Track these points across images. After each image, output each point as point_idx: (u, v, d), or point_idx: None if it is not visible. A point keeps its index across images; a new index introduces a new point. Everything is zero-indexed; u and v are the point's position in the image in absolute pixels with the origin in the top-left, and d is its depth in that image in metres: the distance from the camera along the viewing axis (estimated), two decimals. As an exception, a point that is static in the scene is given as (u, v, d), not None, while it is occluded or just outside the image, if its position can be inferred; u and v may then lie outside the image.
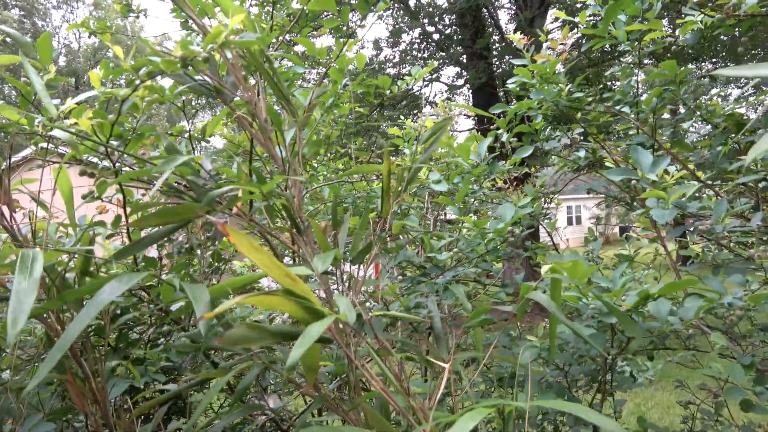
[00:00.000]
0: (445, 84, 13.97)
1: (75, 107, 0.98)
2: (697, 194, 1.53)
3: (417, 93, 13.32)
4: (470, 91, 12.44)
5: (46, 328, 0.91)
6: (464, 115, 14.77)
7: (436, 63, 13.42)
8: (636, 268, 2.24)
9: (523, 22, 10.04)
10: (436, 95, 14.07)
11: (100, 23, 2.07)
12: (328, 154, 2.41)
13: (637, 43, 1.76)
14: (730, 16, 1.38)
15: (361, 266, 1.16)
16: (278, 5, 1.85)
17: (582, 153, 2.20)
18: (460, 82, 13.82)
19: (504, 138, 2.07)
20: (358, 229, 1.17)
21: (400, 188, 1.22)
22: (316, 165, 2.22)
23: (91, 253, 0.90)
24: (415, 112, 13.32)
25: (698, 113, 1.75)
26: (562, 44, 1.89)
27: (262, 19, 2.24)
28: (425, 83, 13.58)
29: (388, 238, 1.23)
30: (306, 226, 1.13)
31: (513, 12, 12.53)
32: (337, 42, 1.56)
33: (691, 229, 1.35)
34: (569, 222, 21.59)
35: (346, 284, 1.09)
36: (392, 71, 12.94)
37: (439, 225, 2.54)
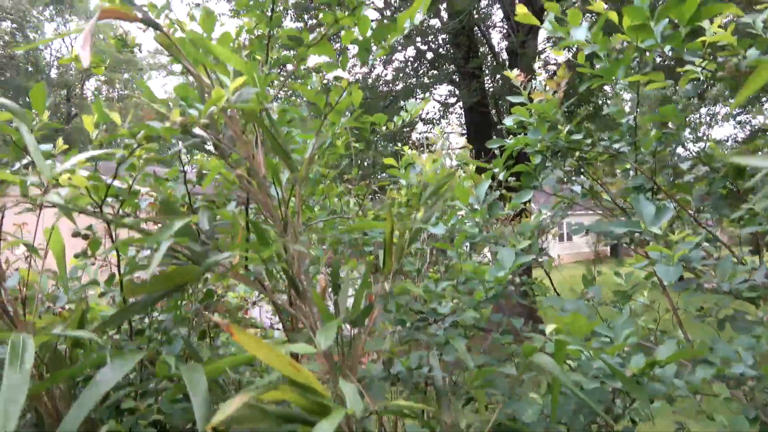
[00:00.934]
0: (438, 102, 14.04)
1: (67, 172, 0.95)
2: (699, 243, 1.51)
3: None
4: (463, 109, 12.50)
5: (37, 405, 0.87)
6: (457, 133, 14.83)
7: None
8: (633, 298, 2.23)
9: (515, 43, 10.13)
10: (428, 113, 14.14)
11: (95, 57, 2.04)
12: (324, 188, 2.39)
13: (636, 90, 1.76)
14: (731, 74, 1.38)
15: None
16: (273, 45, 1.84)
17: (578, 189, 2.20)
18: (453, 100, 13.90)
19: (501, 176, 2.05)
20: (358, 289, 1.14)
21: (402, 245, 1.19)
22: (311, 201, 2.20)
23: (82, 331, 0.86)
24: (408, 129, 13.35)
25: (696, 154, 1.74)
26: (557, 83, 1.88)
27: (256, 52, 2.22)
28: (418, 101, 13.61)
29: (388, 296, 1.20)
30: (305, 287, 1.10)
31: (505, 31, 12.65)
32: (335, 89, 1.55)
33: (695, 285, 1.33)
34: (561, 238, 21.64)
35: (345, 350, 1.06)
36: (384, 89, 12.98)
37: (435, 256, 2.52)
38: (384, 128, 2.20)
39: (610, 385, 1.25)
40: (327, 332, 0.87)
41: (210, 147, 1.17)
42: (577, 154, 2.00)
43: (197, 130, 1.13)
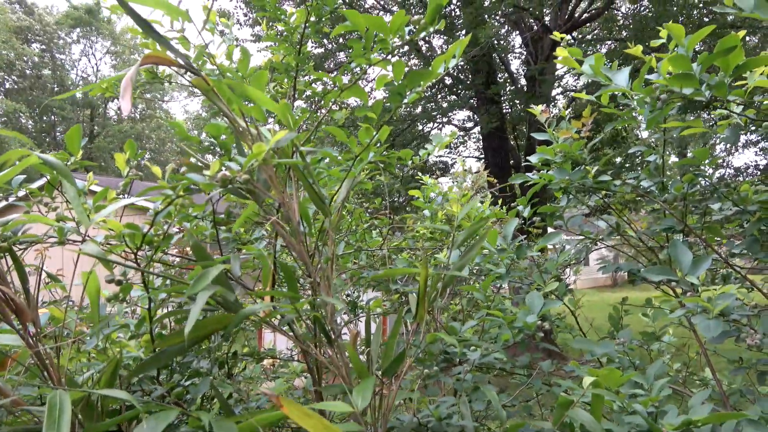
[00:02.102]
0: (457, 127, 14.08)
1: (106, 221, 0.96)
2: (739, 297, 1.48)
3: (427, 135, 13.43)
4: (480, 134, 12.52)
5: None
6: (474, 157, 14.84)
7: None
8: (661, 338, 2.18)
9: (534, 70, 10.16)
10: (446, 137, 14.16)
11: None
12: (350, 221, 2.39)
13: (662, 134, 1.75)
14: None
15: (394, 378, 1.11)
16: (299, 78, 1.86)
17: (603, 224, 2.17)
18: (471, 124, 13.94)
19: (525, 214, 2.04)
20: (389, 337, 1.13)
21: (434, 294, 1.18)
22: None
23: (117, 391, 0.86)
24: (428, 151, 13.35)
25: (728, 196, 1.71)
26: (583, 124, 1.87)
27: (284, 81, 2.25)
28: (437, 126, 13.71)
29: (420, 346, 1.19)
30: (337, 337, 1.09)
31: (524, 57, 12.70)
32: (365, 130, 1.55)
33: (736, 337, 1.30)
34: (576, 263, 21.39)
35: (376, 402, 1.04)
36: (403, 112, 13.04)
37: (453, 288, 2.49)
38: (410, 163, 2.21)
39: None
40: (364, 392, 0.86)
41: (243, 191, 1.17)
42: (603, 192, 1.98)
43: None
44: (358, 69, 1.46)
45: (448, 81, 12.60)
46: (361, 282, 1.82)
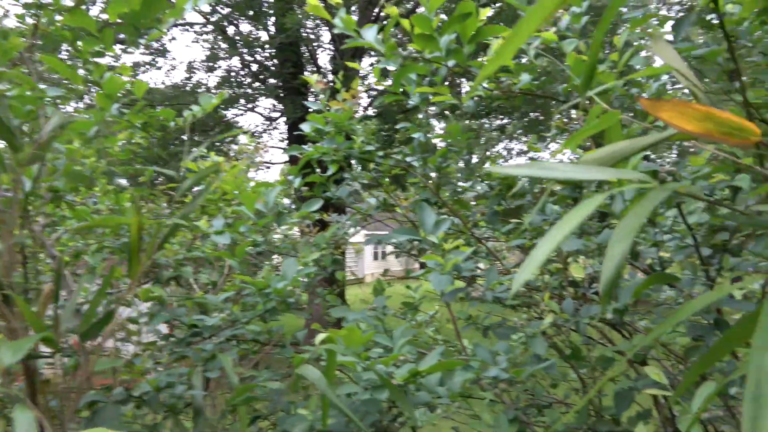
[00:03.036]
0: (262, 115, 13.78)
1: None
2: (472, 255, 1.58)
3: (231, 121, 12.93)
4: (287, 124, 12.42)
5: None
6: (280, 148, 14.67)
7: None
8: (422, 311, 2.29)
9: (339, 65, 10.36)
10: (250, 125, 13.80)
11: None
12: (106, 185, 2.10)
13: (428, 104, 1.82)
14: (506, 93, 1.48)
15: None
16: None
17: (373, 201, 2.22)
18: (277, 114, 13.75)
19: (295, 184, 1.99)
20: (95, 296, 0.96)
21: (155, 245, 1.04)
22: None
23: None
24: (229, 140, 12.85)
25: (478, 172, 1.85)
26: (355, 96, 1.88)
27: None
28: (242, 112, 13.26)
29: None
30: (13, 293, 0.89)
31: (332, 53, 12.91)
32: (97, 67, 1.34)
33: (465, 293, 1.38)
34: (375, 257, 22.51)
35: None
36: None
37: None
38: (173, 124, 2.01)
39: (381, 395, 1.22)
40: (17, 347, 0.69)
41: None
42: (372, 166, 2.02)
43: None
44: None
45: (254, 68, 12.26)
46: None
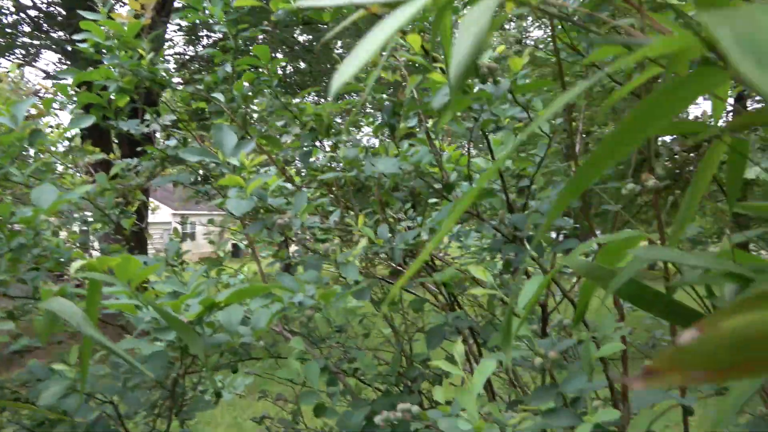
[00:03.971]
0: (44, 72, 11.89)
1: None
2: (282, 191, 1.42)
3: None
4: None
5: None
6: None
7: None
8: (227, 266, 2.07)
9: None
10: (29, 82, 11.83)
11: None
12: None
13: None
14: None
15: None
16: None
17: (173, 142, 1.92)
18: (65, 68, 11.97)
19: (68, 111, 1.62)
20: None
21: None
22: None
23: None
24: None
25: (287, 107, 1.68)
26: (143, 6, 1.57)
27: None
28: (20, 65, 11.25)
29: None
30: None
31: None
32: None
33: (270, 223, 1.21)
34: (183, 238, 21.14)
35: None
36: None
37: None
38: None
39: (167, 336, 1.00)
40: None
41: None
42: (169, 94, 1.73)
43: None
44: None
45: (33, 13, 10.48)
46: None
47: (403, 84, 1.32)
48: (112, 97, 1.60)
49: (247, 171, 1.11)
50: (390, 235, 1.14)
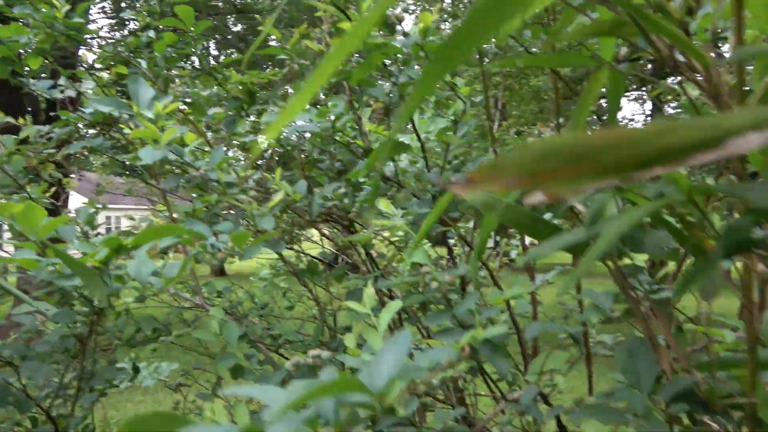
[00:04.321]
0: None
1: None
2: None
3: None
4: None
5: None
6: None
7: None
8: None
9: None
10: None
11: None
12: None
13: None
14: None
15: None
16: None
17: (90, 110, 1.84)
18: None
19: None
20: None
21: None
22: None
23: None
24: None
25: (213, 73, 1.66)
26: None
27: None
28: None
29: None
30: None
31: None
32: None
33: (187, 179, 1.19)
34: (108, 233, 20.14)
35: None
36: None
37: None
38: None
39: (65, 285, 0.96)
40: None
41: None
42: (85, 55, 1.66)
43: None
44: None
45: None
46: None
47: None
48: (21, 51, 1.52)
49: (163, 123, 1.09)
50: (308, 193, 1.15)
